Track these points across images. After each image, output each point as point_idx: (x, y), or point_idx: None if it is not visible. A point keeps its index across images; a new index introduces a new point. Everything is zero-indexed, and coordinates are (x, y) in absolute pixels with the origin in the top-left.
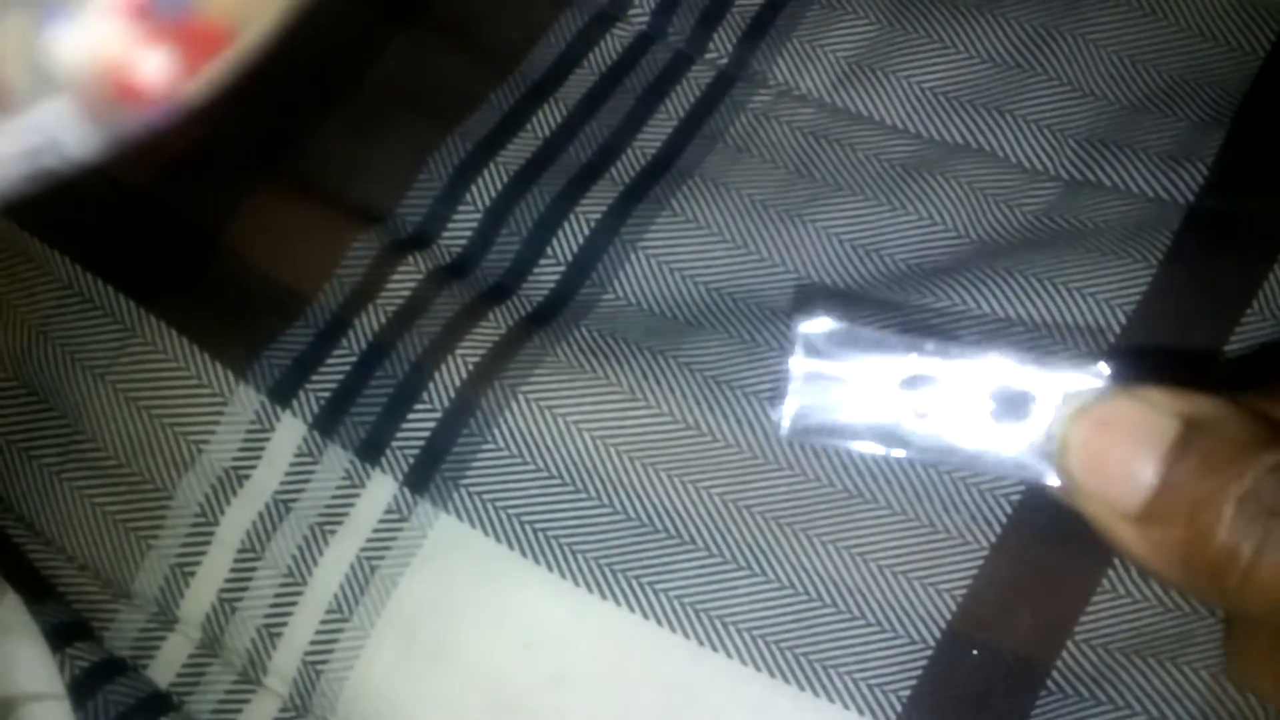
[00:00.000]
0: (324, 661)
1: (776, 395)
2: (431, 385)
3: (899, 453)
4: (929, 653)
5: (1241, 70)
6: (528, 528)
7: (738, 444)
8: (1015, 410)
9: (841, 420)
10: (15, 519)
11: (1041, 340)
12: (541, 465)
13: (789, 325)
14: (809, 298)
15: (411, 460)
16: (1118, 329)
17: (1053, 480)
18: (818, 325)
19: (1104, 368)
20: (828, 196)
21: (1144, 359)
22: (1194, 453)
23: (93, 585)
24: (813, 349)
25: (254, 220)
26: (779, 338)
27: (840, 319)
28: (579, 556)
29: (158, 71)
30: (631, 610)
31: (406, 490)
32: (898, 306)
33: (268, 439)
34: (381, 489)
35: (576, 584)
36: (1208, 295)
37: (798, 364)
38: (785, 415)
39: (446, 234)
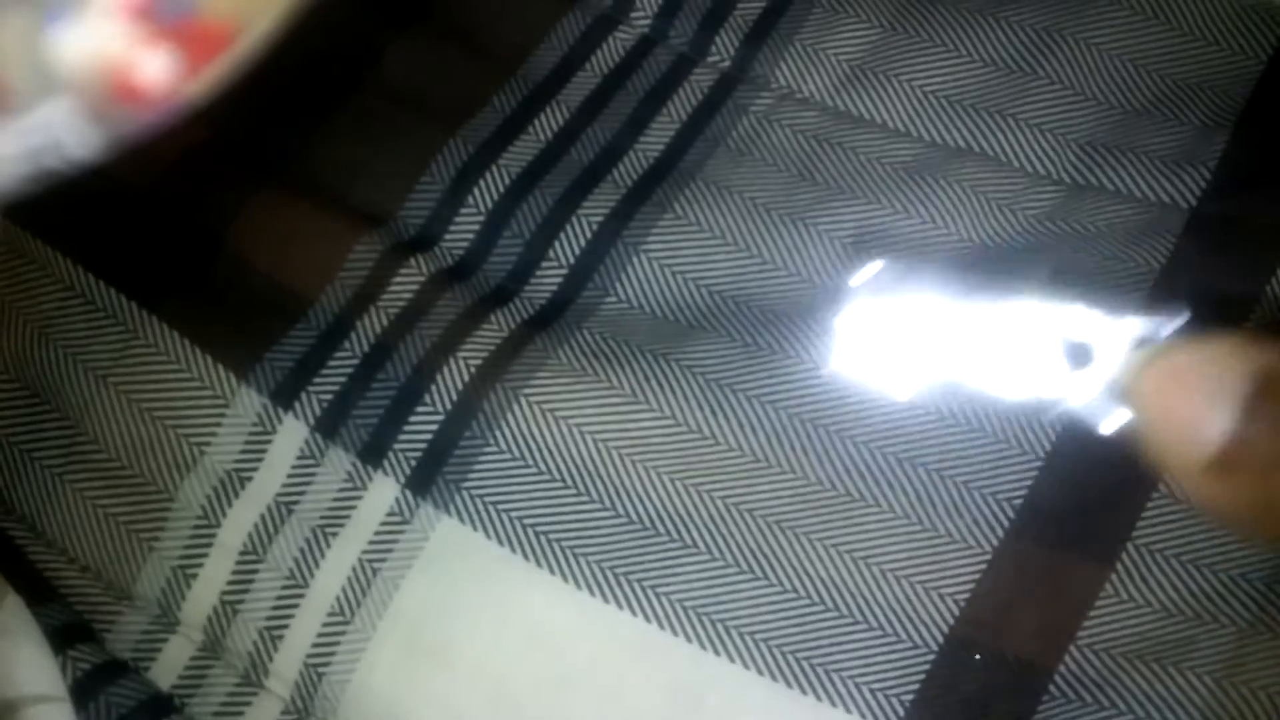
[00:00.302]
0: (326, 664)
1: (829, 340)
2: (433, 388)
3: (958, 400)
4: (931, 657)
5: (1244, 75)
6: (529, 530)
7: (740, 448)
8: (1080, 356)
9: (896, 365)
10: (17, 520)
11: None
12: (543, 468)
13: (847, 267)
14: (866, 244)
15: (413, 463)
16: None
17: (1112, 424)
18: (875, 269)
19: (1176, 314)
20: (830, 200)
21: None
22: (1270, 406)
23: (94, 587)
24: (870, 293)
25: (256, 222)
26: (781, 340)
27: (897, 264)
28: (581, 559)
29: (159, 72)
30: (633, 613)
31: (408, 493)
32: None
33: (270, 441)
34: (383, 491)
35: (578, 587)
36: (1210, 300)
37: (854, 308)
38: (837, 357)
39: (449, 237)
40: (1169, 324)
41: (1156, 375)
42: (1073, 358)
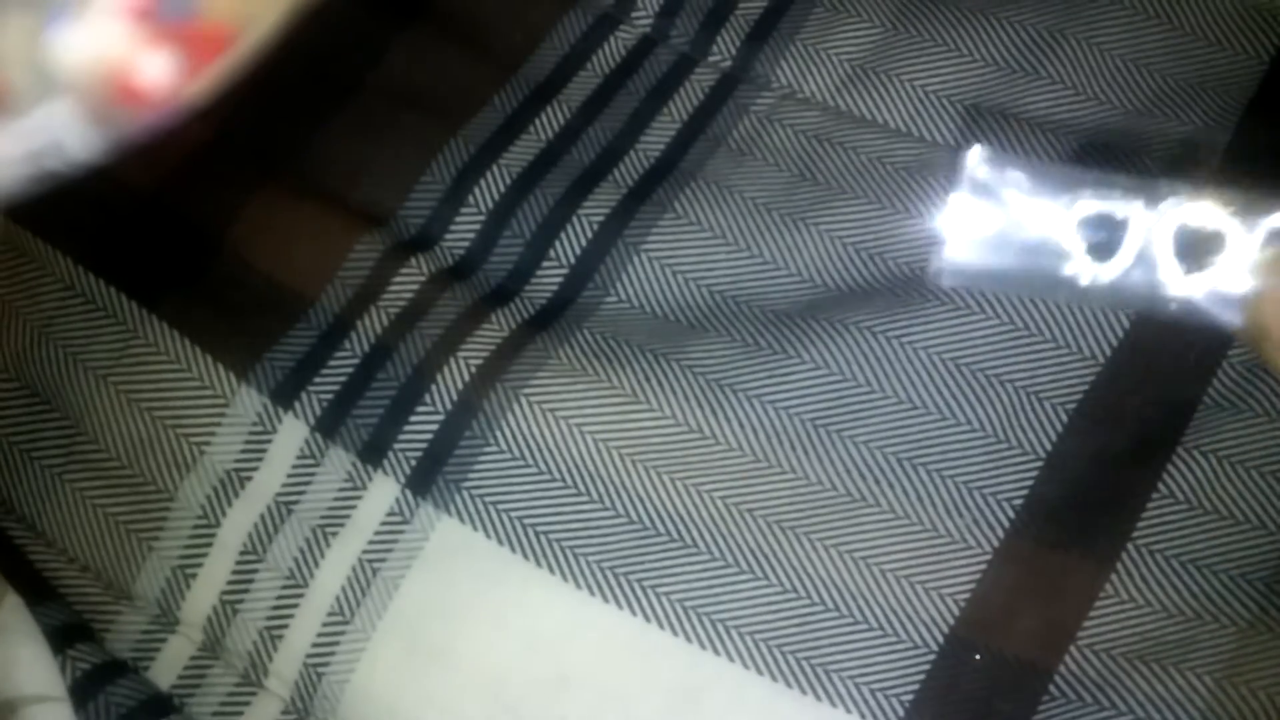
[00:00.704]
0: (325, 664)
1: (934, 241)
2: (434, 387)
3: (1068, 291)
4: (932, 657)
5: (1246, 74)
6: (529, 530)
7: (740, 447)
8: (1203, 251)
9: (1007, 262)
10: (17, 520)
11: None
12: (543, 468)
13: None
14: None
15: (413, 462)
16: (1121, 332)
17: (1233, 322)
18: (983, 158)
19: None
20: (831, 200)
21: (1153, 357)
22: None
23: (94, 587)
24: (978, 185)
25: (256, 222)
26: (782, 340)
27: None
28: (580, 559)
29: (160, 73)
30: (633, 613)
31: (408, 492)
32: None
33: (270, 441)
34: (383, 491)
35: (578, 587)
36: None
37: (962, 199)
38: (945, 263)
39: (449, 236)
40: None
41: (1276, 280)
42: (1183, 251)
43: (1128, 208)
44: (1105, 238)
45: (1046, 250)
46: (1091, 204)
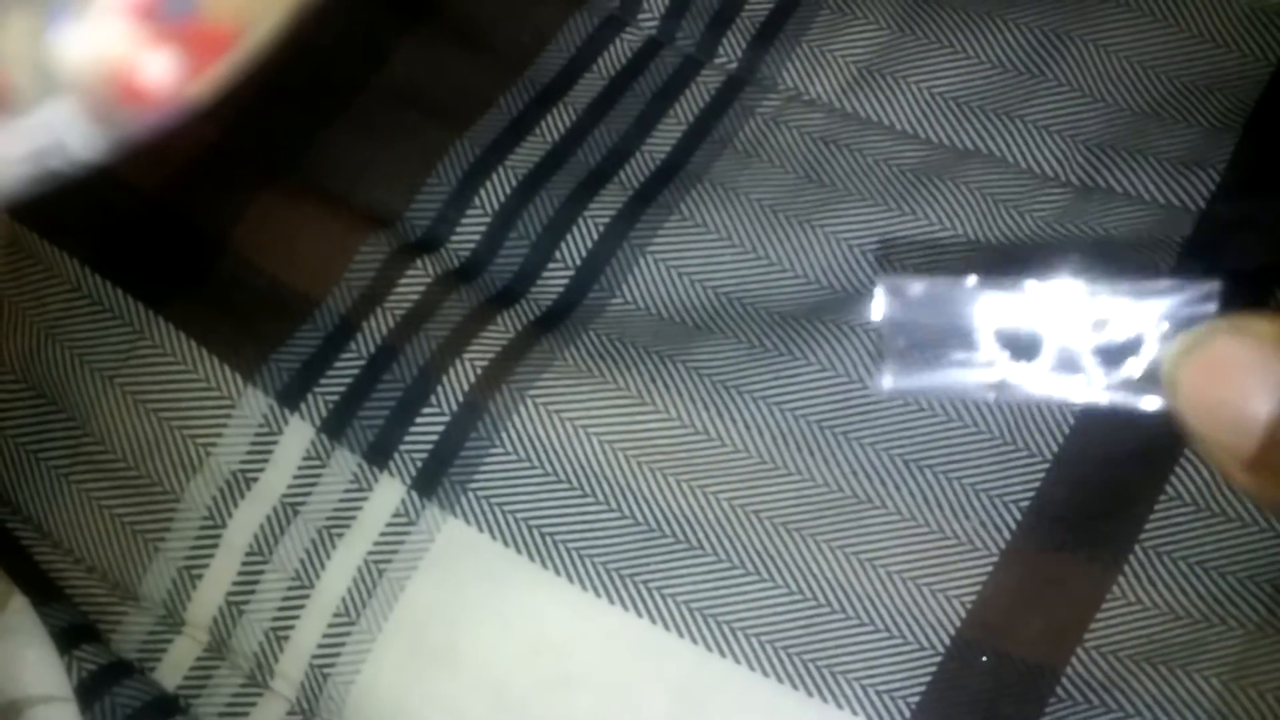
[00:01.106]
0: (331, 664)
1: (875, 354)
2: (440, 389)
3: (998, 395)
4: (938, 659)
5: (1253, 76)
6: (535, 531)
7: (746, 449)
8: (1117, 344)
9: (941, 371)
10: (23, 521)
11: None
12: (549, 469)
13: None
14: (890, 252)
15: (419, 463)
16: None
17: (1151, 406)
18: (905, 280)
19: (1214, 288)
20: (837, 201)
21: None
22: None
23: (100, 587)
24: (902, 303)
25: (262, 223)
26: (788, 342)
27: (925, 270)
28: (586, 560)
29: (163, 73)
30: (638, 614)
31: (414, 493)
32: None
33: (276, 442)
34: (389, 492)
35: (584, 588)
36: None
37: (891, 320)
38: (885, 373)
39: (455, 238)
40: (1202, 307)
41: (1198, 364)
42: (1101, 348)
43: (1040, 311)
44: (1023, 343)
45: (971, 363)
46: (1002, 312)
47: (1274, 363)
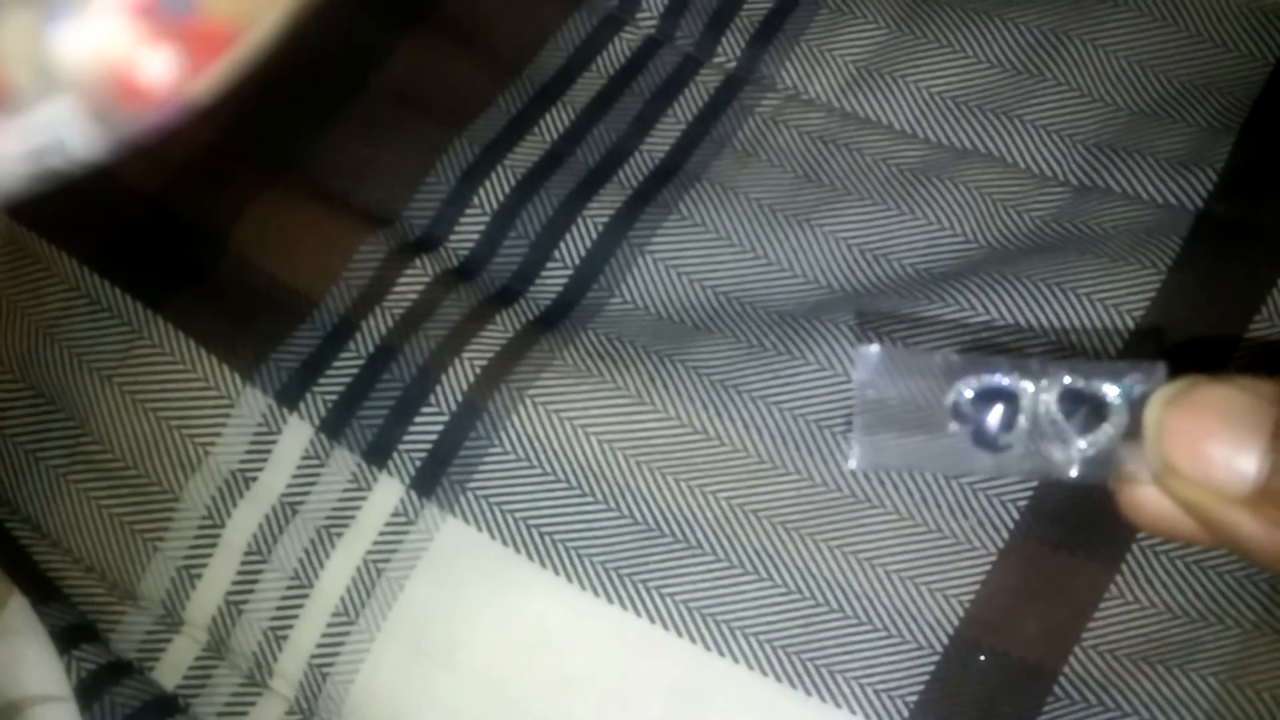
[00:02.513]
0: (330, 664)
1: (844, 430)
2: (438, 388)
3: (971, 473)
4: (936, 658)
5: (1251, 76)
6: (534, 531)
7: (744, 448)
8: (1085, 416)
9: (911, 449)
10: (22, 520)
11: (1056, 344)
12: (548, 469)
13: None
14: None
15: (418, 463)
16: (1126, 335)
17: (1131, 479)
18: (874, 355)
19: (1162, 367)
20: (835, 201)
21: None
22: None
23: (99, 587)
24: (872, 379)
25: (261, 223)
26: (786, 342)
27: (892, 344)
28: (585, 560)
29: (162, 72)
30: (637, 614)
31: (413, 493)
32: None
33: (275, 441)
34: (388, 492)
35: (582, 587)
36: (1217, 301)
37: (861, 397)
38: (854, 453)
39: (454, 237)
40: (1154, 373)
41: (1184, 409)
42: (1067, 425)
43: (1014, 384)
44: (999, 415)
45: (947, 434)
46: (978, 385)
47: (1260, 405)
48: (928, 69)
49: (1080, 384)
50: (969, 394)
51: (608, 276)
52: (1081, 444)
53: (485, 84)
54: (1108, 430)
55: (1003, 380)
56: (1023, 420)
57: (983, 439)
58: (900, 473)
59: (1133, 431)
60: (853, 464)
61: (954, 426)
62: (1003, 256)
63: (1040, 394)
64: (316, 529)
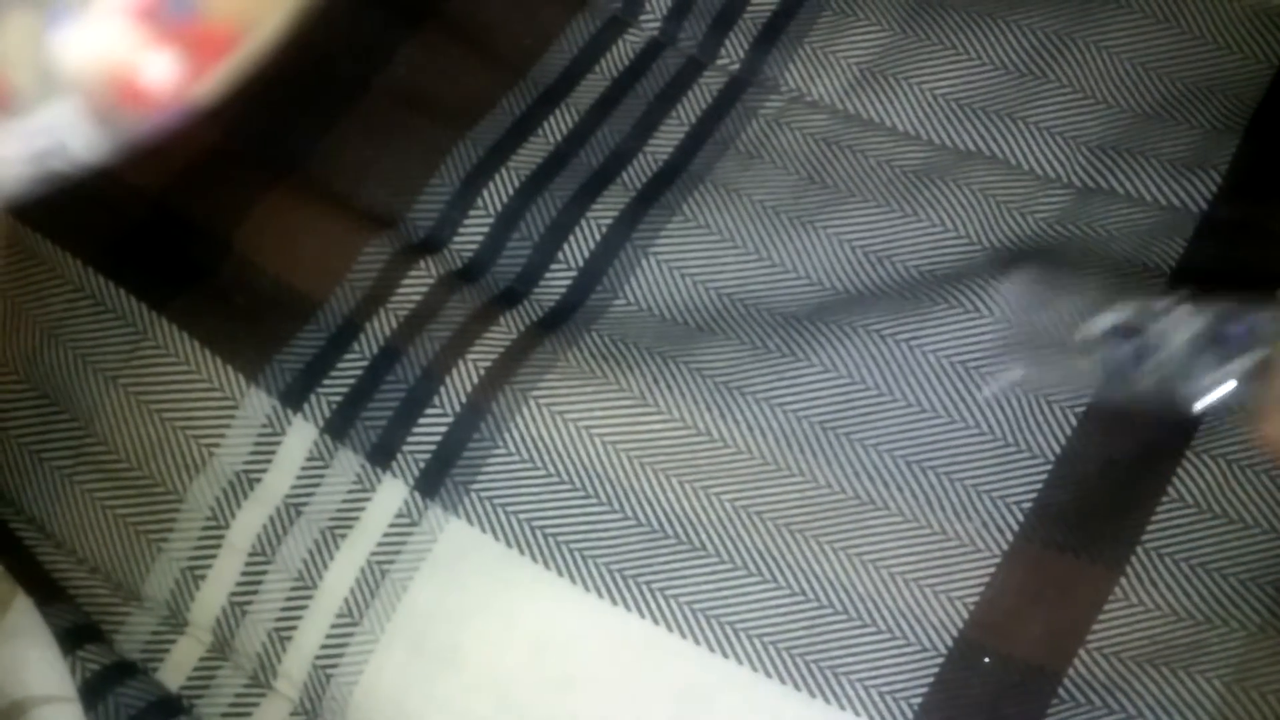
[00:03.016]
0: (334, 665)
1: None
2: (442, 390)
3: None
4: (940, 660)
5: (1255, 78)
6: (538, 532)
7: (748, 450)
8: (1214, 353)
9: (1046, 380)
10: (26, 521)
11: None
12: (552, 470)
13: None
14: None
15: (422, 464)
16: None
17: (1261, 414)
18: (1014, 291)
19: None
20: (839, 203)
21: None
22: None
23: (103, 588)
24: (1013, 314)
25: (265, 224)
26: (790, 343)
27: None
28: (589, 561)
29: (164, 74)
30: (641, 616)
31: (417, 494)
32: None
33: (279, 443)
34: (392, 493)
35: (586, 589)
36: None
37: (1002, 331)
38: (992, 380)
39: (458, 239)
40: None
41: None
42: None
43: (1146, 321)
44: (1130, 350)
45: (1081, 368)
46: (1112, 320)
47: None
48: (931, 71)
49: (1210, 322)
50: (1103, 328)
51: (611, 278)
52: (1209, 380)
53: (489, 86)
54: (1236, 367)
55: (1135, 317)
56: (1154, 356)
57: (1114, 373)
58: (904, 475)
59: (1262, 369)
60: (991, 390)
61: (1087, 361)
62: (1006, 258)
63: (1171, 331)
64: (320, 530)
